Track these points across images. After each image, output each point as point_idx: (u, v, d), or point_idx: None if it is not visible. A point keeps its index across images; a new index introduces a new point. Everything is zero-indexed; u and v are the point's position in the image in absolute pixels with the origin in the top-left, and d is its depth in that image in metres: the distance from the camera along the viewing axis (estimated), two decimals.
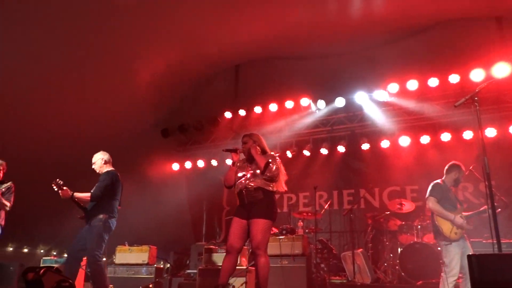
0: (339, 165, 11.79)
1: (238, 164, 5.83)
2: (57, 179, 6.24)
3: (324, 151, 11.66)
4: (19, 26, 8.70)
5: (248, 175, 5.63)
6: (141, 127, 12.49)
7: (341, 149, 11.56)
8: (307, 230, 9.79)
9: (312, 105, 11.46)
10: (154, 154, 12.95)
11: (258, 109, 12.05)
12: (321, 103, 11.29)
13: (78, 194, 6.30)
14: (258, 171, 5.59)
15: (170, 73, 11.58)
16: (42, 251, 16.21)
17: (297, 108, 11.60)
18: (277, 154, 5.76)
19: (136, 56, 10.60)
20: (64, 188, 6.25)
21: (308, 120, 11.81)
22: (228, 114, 12.42)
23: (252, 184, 5.54)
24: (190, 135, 13.10)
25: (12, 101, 9.90)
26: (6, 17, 8.47)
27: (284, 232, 8.85)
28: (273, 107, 11.87)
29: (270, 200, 5.58)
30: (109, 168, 6.77)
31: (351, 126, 11.71)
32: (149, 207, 12.01)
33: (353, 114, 11.59)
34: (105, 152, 6.80)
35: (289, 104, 11.71)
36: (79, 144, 10.88)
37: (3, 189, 6.98)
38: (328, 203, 10.63)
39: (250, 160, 5.74)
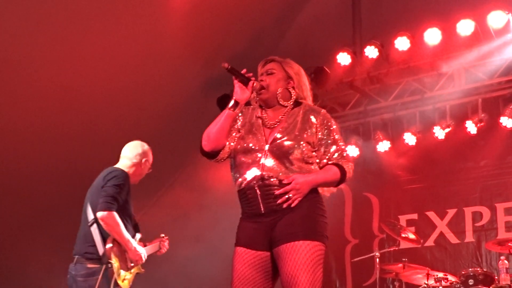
0: None
1: (242, 111, 3.61)
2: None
3: None
4: None
5: (266, 149, 3.42)
6: (183, 94, 9.16)
7: None
8: None
9: None
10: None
11: (402, 43, 8.23)
12: None
13: None
14: (285, 142, 3.41)
15: None
16: None
17: (481, 33, 8.11)
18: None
19: None
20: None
21: (507, 56, 8.22)
22: (343, 58, 8.85)
23: (270, 173, 3.38)
24: None
25: None
26: None
27: (471, 282, 6.94)
28: (431, 35, 8.13)
29: (315, 201, 3.46)
30: None
31: None
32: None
33: None
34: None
35: (465, 26, 8.02)
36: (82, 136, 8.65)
37: None
38: None
39: (268, 104, 3.60)
